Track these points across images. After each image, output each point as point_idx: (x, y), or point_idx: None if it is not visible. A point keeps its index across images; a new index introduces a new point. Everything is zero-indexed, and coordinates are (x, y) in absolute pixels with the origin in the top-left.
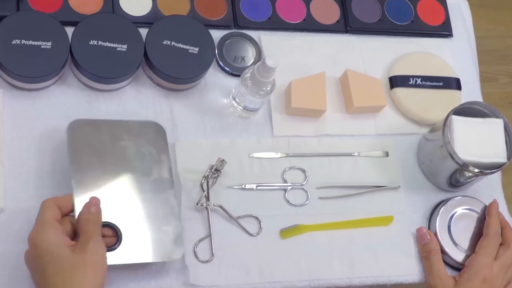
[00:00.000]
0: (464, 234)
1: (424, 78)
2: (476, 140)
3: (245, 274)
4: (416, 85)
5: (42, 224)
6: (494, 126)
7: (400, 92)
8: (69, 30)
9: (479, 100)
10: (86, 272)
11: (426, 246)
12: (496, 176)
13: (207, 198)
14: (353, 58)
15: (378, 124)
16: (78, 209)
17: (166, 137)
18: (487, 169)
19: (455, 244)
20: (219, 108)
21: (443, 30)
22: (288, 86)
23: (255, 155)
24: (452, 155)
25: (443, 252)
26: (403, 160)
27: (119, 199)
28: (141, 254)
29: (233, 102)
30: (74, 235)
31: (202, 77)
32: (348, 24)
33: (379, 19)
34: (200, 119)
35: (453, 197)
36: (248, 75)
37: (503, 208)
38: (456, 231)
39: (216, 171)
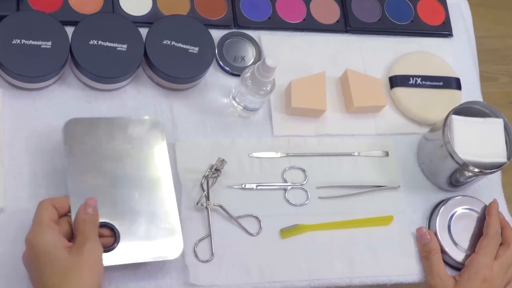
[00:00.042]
0: (464, 233)
1: (424, 78)
2: (476, 139)
3: (245, 274)
4: (416, 85)
5: (38, 225)
6: (494, 126)
7: (400, 92)
8: (69, 30)
9: (479, 100)
10: (82, 273)
11: (426, 245)
12: (496, 176)
13: (207, 197)
14: (353, 58)
15: (378, 124)
16: (74, 209)
17: (164, 132)
18: (487, 168)
19: (455, 243)
20: (219, 108)
21: (443, 29)
22: (288, 86)
23: (255, 154)
24: (452, 155)
25: (443, 251)
26: (403, 160)
27: (116, 198)
28: (140, 254)
29: (233, 101)
30: (72, 235)
31: (202, 76)
32: (348, 24)
33: (379, 19)
34: (200, 118)
35: (453, 197)
36: (248, 74)
37: (503, 208)
38: (456, 231)
39: (216, 170)
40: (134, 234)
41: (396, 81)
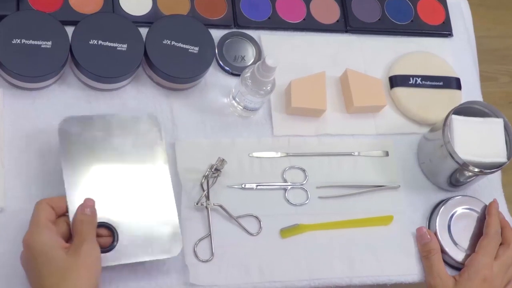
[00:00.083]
0: (464, 233)
1: (424, 78)
2: (476, 139)
3: (245, 274)
4: (416, 85)
5: (35, 225)
6: (494, 126)
7: (400, 91)
8: (69, 30)
9: (479, 100)
10: (79, 274)
11: (426, 245)
12: (496, 176)
13: (207, 197)
14: (353, 58)
15: (378, 123)
16: (72, 209)
17: (161, 128)
18: (487, 168)
19: (455, 243)
20: (219, 108)
21: (443, 29)
22: (288, 86)
23: (255, 154)
24: (452, 155)
25: (443, 251)
26: (403, 159)
27: (114, 197)
28: (139, 253)
29: (233, 101)
30: (70, 235)
31: (202, 76)
32: (348, 23)
33: (379, 19)
34: (200, 118)
35: (453, 197)
36: (248, 74)
37: (503, 207)
38: (456, 231)
39: (216, 170)
40: (133, 234)
41: (396, 81)
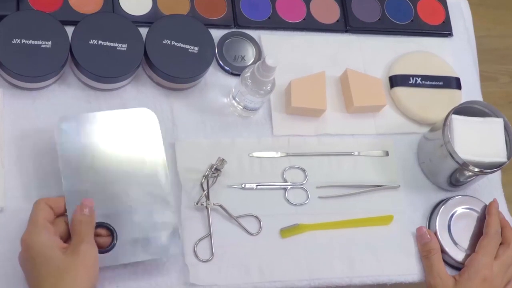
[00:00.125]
0: (464, 233)
1: (424, 78)
2: (476, 139)
3: (245, 274)
4: (416, 85)
5: (34, 225)
6: (494, 126)
7: (400, 91)
8: (69, 30)
9: (479, 100)
10: (77, 274)
11: (426, 245)
12: (496, 176)
13: (207, 197)
14: (353, 58)
15: (378, 123)
16: (70, 209)
17: (158, 124)
18: (487, 168)
19: (455, 243)
20: (219, 108)
21: (443, 29)
22: (288, 86)
23: (255, 154)
24: (452, 155)
25: (443, 251)
26: (403, 159)
27: (112, 196)
28: (138, 253)
29: (233, 101)
30: (69, 235)
31: (202, 76)
32: (348, 23)
33: (379, 19)
34: (200, 118)
35: (453, 197)
36: (248, 74)
37: (503, 207)
38: (456, 231)
39: (216, 170)
40: (132, 233)
41: (396, 81)
